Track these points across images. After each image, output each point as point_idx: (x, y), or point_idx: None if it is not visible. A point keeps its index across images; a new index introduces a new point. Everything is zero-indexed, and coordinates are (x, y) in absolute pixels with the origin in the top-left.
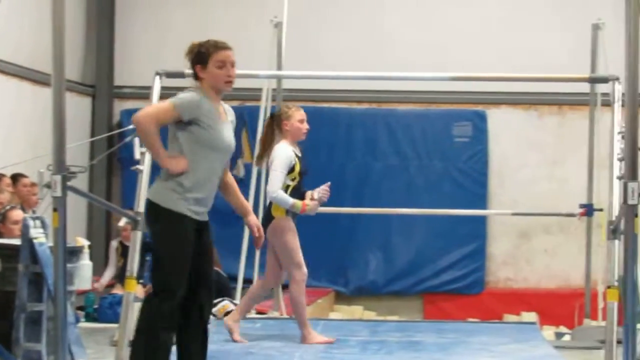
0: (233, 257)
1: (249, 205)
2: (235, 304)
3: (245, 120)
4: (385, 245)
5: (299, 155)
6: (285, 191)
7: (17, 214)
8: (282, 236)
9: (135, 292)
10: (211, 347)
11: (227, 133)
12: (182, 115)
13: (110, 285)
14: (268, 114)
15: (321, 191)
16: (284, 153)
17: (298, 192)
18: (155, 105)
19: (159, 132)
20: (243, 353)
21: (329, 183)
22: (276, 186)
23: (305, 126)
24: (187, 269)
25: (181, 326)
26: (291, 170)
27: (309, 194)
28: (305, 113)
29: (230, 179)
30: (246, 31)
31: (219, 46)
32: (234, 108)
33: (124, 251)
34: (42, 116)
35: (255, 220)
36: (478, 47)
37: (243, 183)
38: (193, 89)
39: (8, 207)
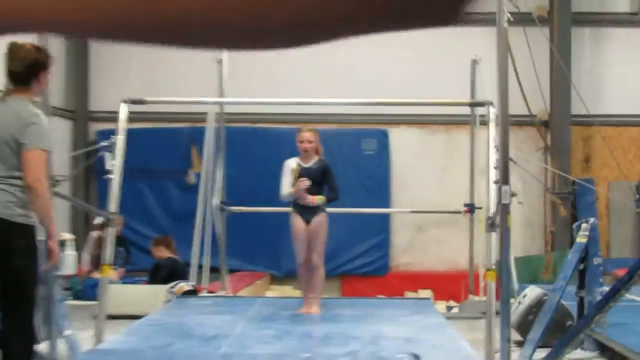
0: (189, 246)
1: (50, 226)
2: (190, 285)
3: (195, 138)
4: None
5: (305, 165)
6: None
7: None
8: None
9: (110, 276)
10: (170, 319)
11: None
12: None
13: (90, 272)
14: (213, 133)
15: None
16: (284, 164)
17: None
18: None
19: None
20: (196, 324)
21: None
22: (281, 190)
23: (302, 145)
24: None
25: None
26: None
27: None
28: (310, 134)
29: (31, 187)
30: (194, 66)
31: None
32: (185, 129)
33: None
34: None
35: (48, 245)
36: (383, 78)
37: (194, 189)
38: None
39: None
